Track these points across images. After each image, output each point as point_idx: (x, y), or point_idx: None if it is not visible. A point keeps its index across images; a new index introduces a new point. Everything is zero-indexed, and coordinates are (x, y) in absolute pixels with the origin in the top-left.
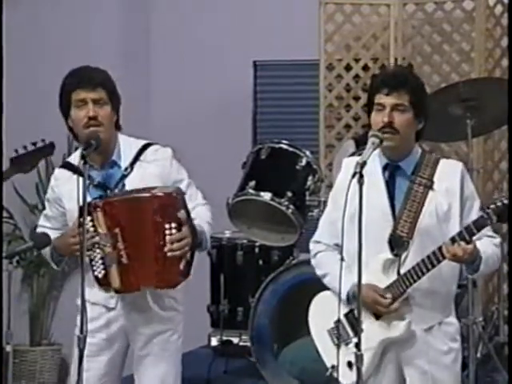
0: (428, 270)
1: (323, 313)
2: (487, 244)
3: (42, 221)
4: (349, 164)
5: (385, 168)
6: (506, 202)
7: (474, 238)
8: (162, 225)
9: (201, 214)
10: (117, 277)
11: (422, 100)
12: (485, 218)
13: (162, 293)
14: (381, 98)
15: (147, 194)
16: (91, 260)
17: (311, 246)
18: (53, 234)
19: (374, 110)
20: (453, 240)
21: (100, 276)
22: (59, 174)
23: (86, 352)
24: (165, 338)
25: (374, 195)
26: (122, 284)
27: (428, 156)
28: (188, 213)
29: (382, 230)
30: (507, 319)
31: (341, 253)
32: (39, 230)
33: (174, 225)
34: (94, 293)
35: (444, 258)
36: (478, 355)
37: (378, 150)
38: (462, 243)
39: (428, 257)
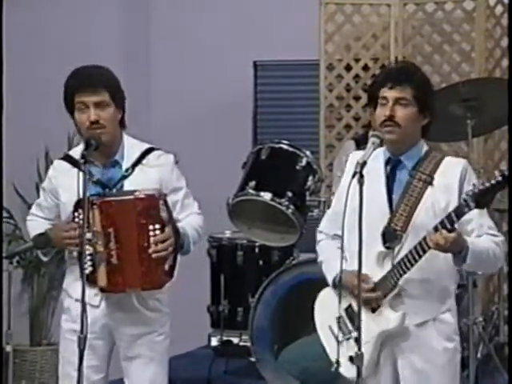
0: (416, 261)
1: (327, 309)
2: (484, 240)
3: (34, 209)
4: (355, 158)
5: (387, 162)
6: (482, 187)
7: (474, 235)
8: (146, 226)
9: (190, 220)
10: (104, 276)
11: (427, 95)
12: (463, 204)
13: (146, 294)
14: (384, 92)
15: (130, 197)
16: (80, 255)
17: (317, 235)
18: (44, 224)
19: (378, 104)
20: (435, 229)
21: (86, 272)
22: (58, 165)
23: (74, 351)
24: (151, 339)
25: (373, 189)
26: (109, 284)
27: (433, 154)
28: (170, 213)
29: (379, 223)
30: (507, 319)
31: (341, 245)
32: (30, 218)
33: (157, 226)
34: (79, 290)
35: (429, 247)
36: (479, 355)
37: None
38: (444, 231)
39: (415, 247)
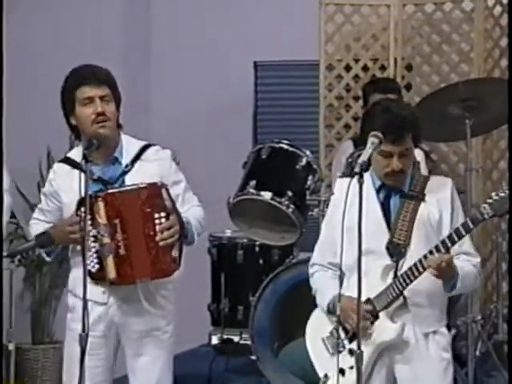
0: (419, 274)
1: (319, 327)
2: (464, 264)
3: (36, 214)
4: (342, 184)
5: (378, 190)
6: (502, 195)
7: (452, 253)
8: (151, 215)
9: (192, 211)
10: (113, 268)
11: (420, 132)
12: (482, 212)
13: (153, 289)
14: (387, 147)
15: (134, 187)
16: (83, 250)
17: (309, 269)
18: (46, 226)
19: (380, 156)
20: (430, 252)
21: (93, 270)
22: (58, 168)
23: (80, 351)
24: (157, 336)
25: (368, 213)
26: (119, 275)
27: (418, 173)
28: (173, 202)
29: (377, 241)
30: (506, 317)
31: (340, 259)
32: (33, 222)
33: (162, 214)
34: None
35: (424, 268)
36: (477, 353)
37: (370, 171)
38: (438, 254)
39: (418, 261)
